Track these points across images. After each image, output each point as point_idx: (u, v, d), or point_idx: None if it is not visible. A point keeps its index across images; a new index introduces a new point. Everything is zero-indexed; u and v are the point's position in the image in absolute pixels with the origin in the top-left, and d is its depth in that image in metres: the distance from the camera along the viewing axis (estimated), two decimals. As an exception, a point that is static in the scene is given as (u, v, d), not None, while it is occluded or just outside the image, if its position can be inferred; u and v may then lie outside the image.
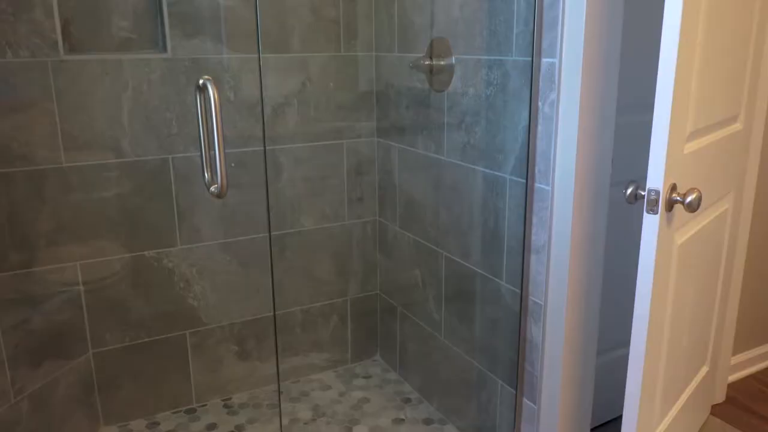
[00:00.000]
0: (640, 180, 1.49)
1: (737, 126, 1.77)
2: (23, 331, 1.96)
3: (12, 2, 1.82)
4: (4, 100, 1.86)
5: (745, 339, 2.43)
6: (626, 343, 2.08)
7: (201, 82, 1.63)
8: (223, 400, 2.42)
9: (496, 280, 1.91)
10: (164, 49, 2.05)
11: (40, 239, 1.99)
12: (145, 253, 2.17)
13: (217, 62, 2.14)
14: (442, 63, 2.01)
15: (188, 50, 2.08)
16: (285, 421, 2.29)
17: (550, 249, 1.67)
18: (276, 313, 2.47)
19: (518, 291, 1.80)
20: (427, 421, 2.28)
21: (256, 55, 2.20)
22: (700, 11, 1.32)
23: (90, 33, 1.96)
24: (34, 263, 1.99)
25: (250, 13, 2.14)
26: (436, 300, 2.25)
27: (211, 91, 1.60)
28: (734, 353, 2.42)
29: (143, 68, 2.03)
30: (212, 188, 1.71)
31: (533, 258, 1.73)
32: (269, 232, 2.37)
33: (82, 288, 2.09)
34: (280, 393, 2.48)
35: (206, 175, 1.77)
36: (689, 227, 1.56)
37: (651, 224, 1.37)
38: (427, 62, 2.08)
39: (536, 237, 1.71)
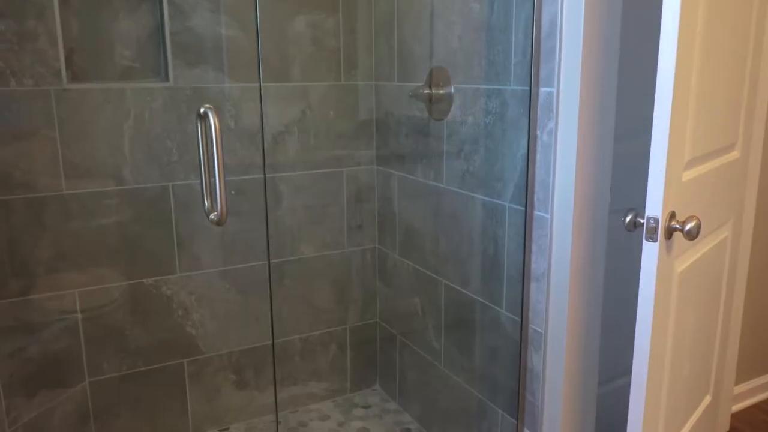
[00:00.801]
0: (639, 207, 1.49)
1: (735, 154, 1.79)
2: (19, 360, 1.94)
3: (18, 32, 1.84)
4: (6, 128, 1.87)
5: (748, 368, 2.41)
6: (628, 372, 2.06)
7: (202, 110, 1.65)
8: (220, 430, 2.38)
9: (496, 308, 1.90)
10: (166, 78, 2.08)
11: (39, 267, 1.98)
12: (144, 280, 2.16)
13: (218, 91, 2.16)
14: (441, 92, 2.03)
15: (190, 79, 2.10)
16: (283, 452, 2.26)
17: (549, 277, 1.67)
18: (275, 341, 2.45)
19: (518, 319, 1.79)
20: (427, 452, 2.25)
21: (257, 84, 2.22)
22: (696, 39, 1.34)
23: (93, 62, 1.99)
24: (32, 291, 1.99)
25: (252, 43, 2.17)
26: (435, 328, 2.23)
27: (212, 119, 1.61)
28: (737, 383, 2.40)
29: (145, 97, 2.05)
30: (212, 215, 1.71)
31: (533, 286, 1.72)
32: (268, 259, 2.37)
33: (80, 316, 2.08)
34: (278, 423, 2.45)
35: (206, 202, 1.77)
36: (689, 255, 1.56)
37: (650, 252, 1.37)
38: (426, 91, 2.10)
39: (536, 265, 1.70)
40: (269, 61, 2.24)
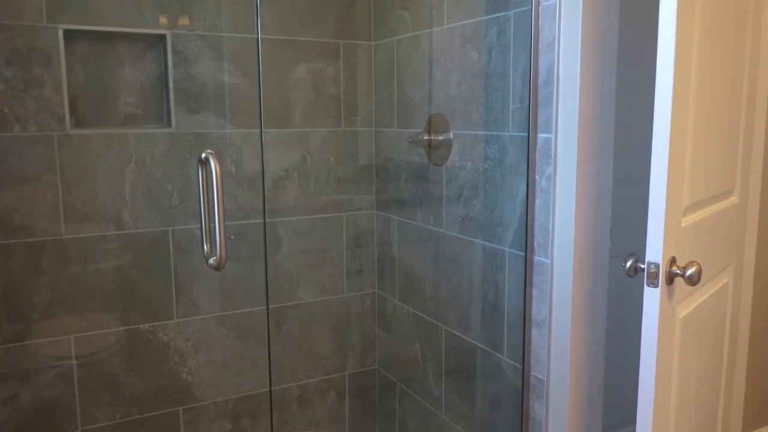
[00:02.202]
0: (640, 252, 1.49)
1: (733, 199, 1.79)
2: (11, 407, 1.90)
3: (24, 79, 1.88)
4: (8, 173, 1.88)
5: (755, 416, 2.36)
6: (632, 421, 2.02)
7: (203, 155, 1.66)
8: (215, 482, 2.32)
9: (497, 354, 1.87)
10: (169, 123, 2.10)
11: (34, 312, 1.97)
12: (141, 326, 2.14)
13: (219, 136, 2.18)
14: (440, 138, 2.06)
15: (192, 125, 2.13)
16: (279, 505, 2.19)
17: (551, 323, 1.65)
18: (272, 389, 2.41)
19: (520, 366, 1.77)
20: (428, 505, 2.18)
21: (259, 130, 2.24)
22: (691, 86, 1.36)
23: (97, 108, 2.02)
24: (27, 336, 1.96)
25: (254, 90, 2.21)
26: (436, 375, 2.20)
27: (213, 164, 1.62)
28: (745, 431, 2.35)
29: (147, 142, 2.07)
30: (211, 260, 1.70)
31: (534, 332, 1.70)
32: (267, 305, 2.35)
33: (74, 362, 2.05)
34: (274, 474, 2.39)
35: (205, 247, 1.77)
36: (691, 301, 1.55)
37: (652, 298, 1.36)
38: (425, 137, 2.12)
39: (537, 310, 1.69)
40: (271, 107, 2.27)
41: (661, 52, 1.27)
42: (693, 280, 1.36)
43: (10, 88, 1.86)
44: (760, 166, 2.02)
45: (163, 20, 2.04)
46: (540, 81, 1.61)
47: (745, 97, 1.73)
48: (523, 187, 1.70)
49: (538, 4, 1.60)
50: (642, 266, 1.41)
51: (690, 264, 1.36)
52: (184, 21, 2.07)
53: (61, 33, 1.91)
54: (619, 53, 1.63)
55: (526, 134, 1.67)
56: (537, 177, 1.65)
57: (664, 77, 1.27)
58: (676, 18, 1.23)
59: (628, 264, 1.52)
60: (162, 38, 2.06)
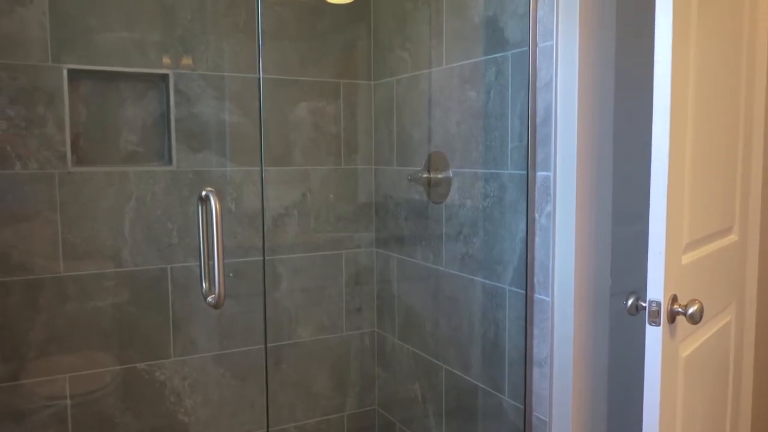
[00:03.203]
0: (641, 290, 1.48)
1: (733, 237, 1.79)
2: (4, 449, 1.87)
3: (26, 117, 1.89)
4: (8, 210, 1.89)
5: (761, 459, 2.32)
6: (637, 464, 1.98)
7: (204, 193, 1.67)
8: None
9: (498, 394, 1.84)
10: (170, 161, 2.11)
11: (30, 350, 1.94)
12: (137, 365, 2.11)
13: (220, 174, 2.19)
14: (439, 176, 2.07)
15: (193, 163, 2.14)
16: None
17: (552, 362, 1.63)
18: (270, 429, 2.37)
19: (521, 406, 1.74)
20: None
21: (259, 168, 2.26)
22: (688, 124, 1.37)
23: (99, 146, 2.03)
24: (22, 375, 1.94)
25: (255, 129, 2.23)
26: (436, 416, 2.16)
27: (213, 202, 1.63)
28: (751, 475, 2.29)
29: (148, 180, 2.08)
30: (209, 298, 1.69)
31: (536, 371, 1.68)
32: (265, 343, 2.32)
33: (69, 402, 2.01)
34: None
35: (204, 285, 1.76)
36: (693, 339, 1.53)
37: (654, 336, 1.34)
38: (425, 175, 2.13)
39: (538, 349, 1.67)
40: (271, 145, 2.29)
41: (658, 92, 1.29)
42: (695, 319, 1.35)
43: (13, 126, 1.88)
44: (759, 204, 2.02)
45: (166, 60, 2.08)
46: (538, 120, 1.63)
47: (742, 135, 1.75)
48: (523, 225, 1.70)
49: (535, 45, 1.63)
50: (643, 304, 1.41)
51: (691, 302, 1.35)
52: (187, 61, 2.11)
53: (65, 72, 1.94)
54: (616, 91, 1.65)
55: (525, 172, 1.68)
56: (536, 215, 1.65)
57: (660, 116, 1.29)
58: (672, 58, 1.25)
59: (630, 302, 1.51)
60: (165, 78, 2.09)
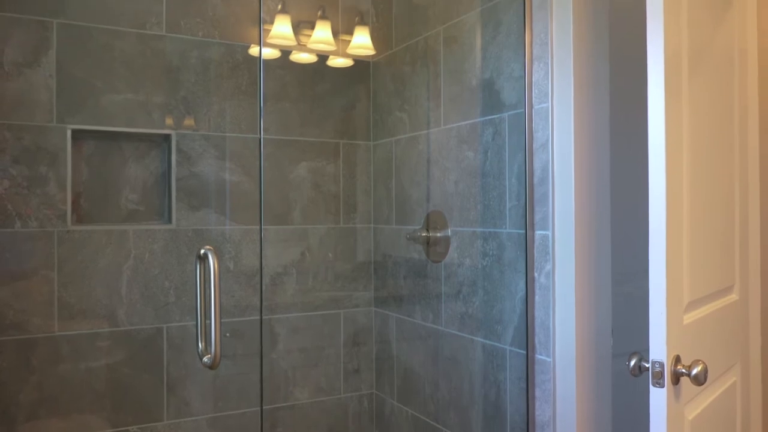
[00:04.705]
0: (643, 351, 1.46)
1: (734, 297, 1.78)
2: None
3: (29, 177, 1.91)
4: (6, 268, 1.88)
5: None
6: None
7: (202, 251, 1.67)
8: None
9: (501, 459, 1.79)
10: (169, 220, 2.12)
11: (20, 413, 1.89)
12: (130, 428, 2.05)
13: (219, 233, 2.20)
14: (438, 235, 2.07)
15: (192, 221, 2.15)
16: None
17: (555, 424, 1.59)
18: (264, 497, 2.29)
19: (524, 472, 1.69)
20: None
21: (258, 227, 2.26)
22: (684, 185, 1.39)
23: (99, 205, 2.04)
24: (10, 439, 1.88)
25: (255, 188, 2.24)
26: (436, 482, 2.09)
27: (212, 260, 1.62)
28: None
29: (147, 238, 2.08)
30: (205, 359, 1.67)
31: (538, 435, 1.64)
32: (261, 406, 2.27)
33: (57, 467, 1.95)
34: None
35: (200, 345, 1.73)
36: (699, 401, 1.50)
37: (659, 398, 1.32)
38: (423, 234, 2.14)
39: (540, 411, 1.63)
40: (271, 204, 2.30)
41: (653, 153, 1.31)
42: (699, 380, 1.33)
43: (15, 186, 1.89)
44: (758, 263, 2.02)
45: (169, 121, 2.11)
46: (535, 180, 1.65)
47: (737, 193, 1.76)
48: (522, 284, 1.69)
49: (531, 106, 1.67)
50: (646, 365, 1.39)
51: (695, 363, 1.33)
52: (189, 121, 2.15)
53: (69, 133, 1.97)
54: (612, 151, 1.67)
55: (524, 231, 1.68)
56: (536, 274, 1.65)
57: (656, 177, 1.31)
58: (665, 119, 1.28)
59: (632, 363, 1.48)
60: (167, 138, 2.13)
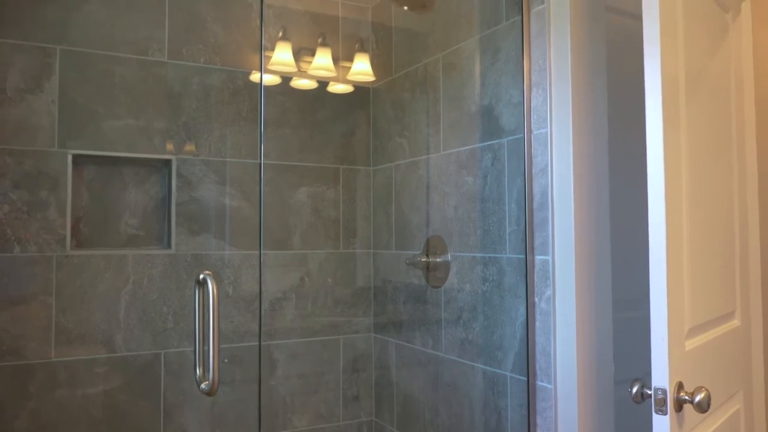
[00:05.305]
0: (645, 377, 1.45)
1: (735, 323, 1.77)
2: None
3: (29, 202, 1.91)
4: (4, 293, 1.87)
5: None
6: None
7: (201, 276, 1.66)
8: None
9: (502, 488, 1.76)
10: (169, 245, 2.12)
11: (15, 440, 1.87)
12: (125, 456, 2.03)
13: (218, 258, 2.19)
14: (438, 260, 2.07)
15: (192, 246, 2.14)
16: None
17: (557, 453, 1.57)
18: None
19: (526, 502, 1.66)
20: None
21: (258, 252, 2.26)
22: (683, 210, 1.39)
23: (99, 230, 2.04)
24: (4, 467, 1.86)
25: (254, 213, 2.25)
26: None
27: (211, 285, 1.62)
28: None
29: (146, 263, 2.07)
30: (203, 385, 1.65)
31: (540, 463, 1.61)
32: (259, 433, 2.24)
33: (51, 497, 1.92)
34: None
35: (198, 371, 1.72)
36: (702, 429, 1.48)
37: (662, 426, 1.30)
38: (423, 259, 2.13)
39: (542, 440, 1.61)
40: (271, 229, 2.30)
41: (652, 179, 1.31)
42: (702, 407, 1.31)
43: (15, 210, 1.90)
44: (759, 289, 2.01)
45: (170, 146, 2.12)
46: (535, 205, 1.65)
47: (737, 219, 1.76)
48: (523, 310, 1.68)
49: (530, 132, 1.67)
50: (648, 392, 1.37)
51: (698, 390, 1.32)
52: (190, 147, 2.15)
53: (70, 158, 1.98)
54: (611, 176, 1.68)
55: (524, 256, 1.68)
56: (536, 299, 1.64)
57: (656, 202, 1.31)
58: (664, 145, 1.28)
59: (634, 389, 1.47)
60: (167, 163, 2.13)
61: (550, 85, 1.62)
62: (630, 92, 1.75)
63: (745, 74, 1.79)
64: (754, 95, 1.83)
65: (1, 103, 1.89)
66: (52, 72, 1.96)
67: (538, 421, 1.62)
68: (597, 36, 1.66)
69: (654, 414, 1.31)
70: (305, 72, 2.39)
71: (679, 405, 1.33)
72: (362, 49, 2.47)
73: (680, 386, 1.34)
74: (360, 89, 2.51)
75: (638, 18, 1.33)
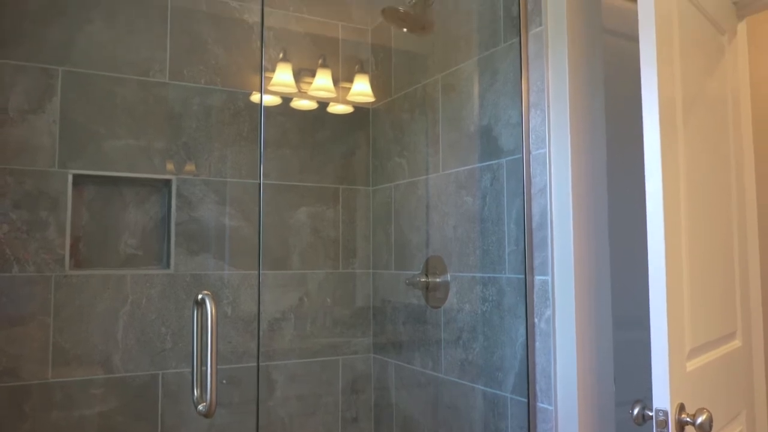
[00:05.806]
0: (646, 399, 1.43)
1: (737, 343, 1.76)
2: None
3: (28, 221, 1.91)
4: (2, 313, 1.86)
5: None
6: None
7: (200, 296, 1.65)
8: None
9: None
10: (167, 265, 2.11)
11: (10, 463, 1.85)
12: (122, 479, 2.00)
13: (217, 278, 2.19)
14: (437, 280, 2.06)
15: (191, 266, 2.14)
16: None
17: (558, 476, 1.55)
18: None
19: None
20: None
21: (257, 272, 2.25)
22: (683, 231, 1.39)
23: (98, 249, 2.04)
24: (-2, 491, 1.83)
25: (254, 233, 2.25)
26: None
27: (209, 306, 1.61)
28: None
29: (145, 283, 2.07)
30: (200, 407, 1.63)
31: (541, 486, 1.60)
32: (257, 455, 2.22)
33: None
34: None
35: (195, 392, 1.70)
36: (704, 452, 1.46)
37: (663, 448, 1.28)
38: (423, 279, 2.13)
39: (543, 462, 1.59)
40: (270, 249, 2.30)
41: (650, 198, 1.31)
42: (705, 429, 1.30)
43: (14, 230, 1.90)
44: (760, 309, 2.01)
45: (170, 166, 2.13)
46: (534, 225, 1.65)
47: (736, 239, 1.76)
48: (523, 330, 1.68)
49: (528, 152, 1.68)
50: (650, 413, 1.36)
51: (700, 411, 1.31)
52: (190, 167, 2.16)
53: (70, 178, 1.98)
54: (610, 195, 1.68)
55: (523, 276, 1.68)
56: (536, 320, 1.63)
57: (655, 223, 1.31)
58: (662, 165, 1.29)
59: (635, 411, 1.46)
60: (167, 183, 2.14)
61: (548, 105, 1.63)
62: (627, 113, 1.76)
63: (741, 96, 1.80)
64: (751, 116, 1.84)
65: (2, 123, 1.90)
66: (53, 93, 1.97)
67: (539, 443, 1.60)
68: (594, 57, 1.67)
69: (655, 436, 1.30)
70: (305, 93, 2.41)
71: (680, 427, 1.31)
72: (362, 71, 2.49)
73: (682, 408, 1.33)
74: (360, 110, 2.52)
75: (635, 40, 1.35)
